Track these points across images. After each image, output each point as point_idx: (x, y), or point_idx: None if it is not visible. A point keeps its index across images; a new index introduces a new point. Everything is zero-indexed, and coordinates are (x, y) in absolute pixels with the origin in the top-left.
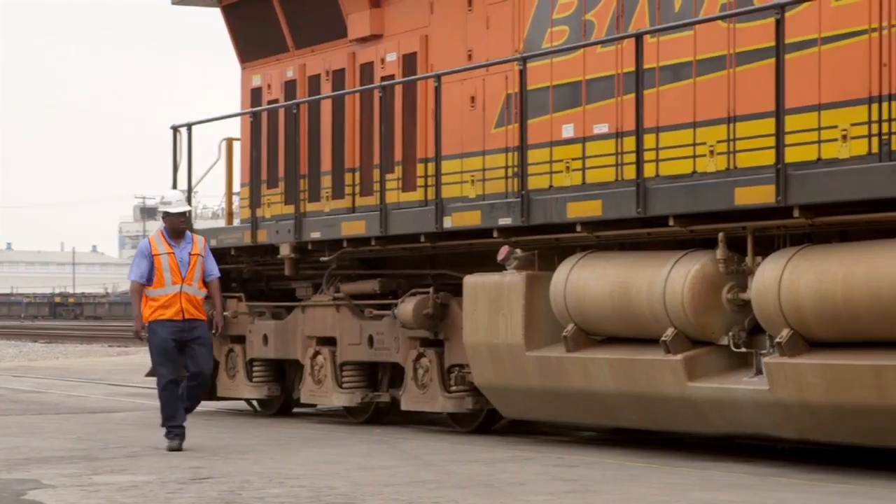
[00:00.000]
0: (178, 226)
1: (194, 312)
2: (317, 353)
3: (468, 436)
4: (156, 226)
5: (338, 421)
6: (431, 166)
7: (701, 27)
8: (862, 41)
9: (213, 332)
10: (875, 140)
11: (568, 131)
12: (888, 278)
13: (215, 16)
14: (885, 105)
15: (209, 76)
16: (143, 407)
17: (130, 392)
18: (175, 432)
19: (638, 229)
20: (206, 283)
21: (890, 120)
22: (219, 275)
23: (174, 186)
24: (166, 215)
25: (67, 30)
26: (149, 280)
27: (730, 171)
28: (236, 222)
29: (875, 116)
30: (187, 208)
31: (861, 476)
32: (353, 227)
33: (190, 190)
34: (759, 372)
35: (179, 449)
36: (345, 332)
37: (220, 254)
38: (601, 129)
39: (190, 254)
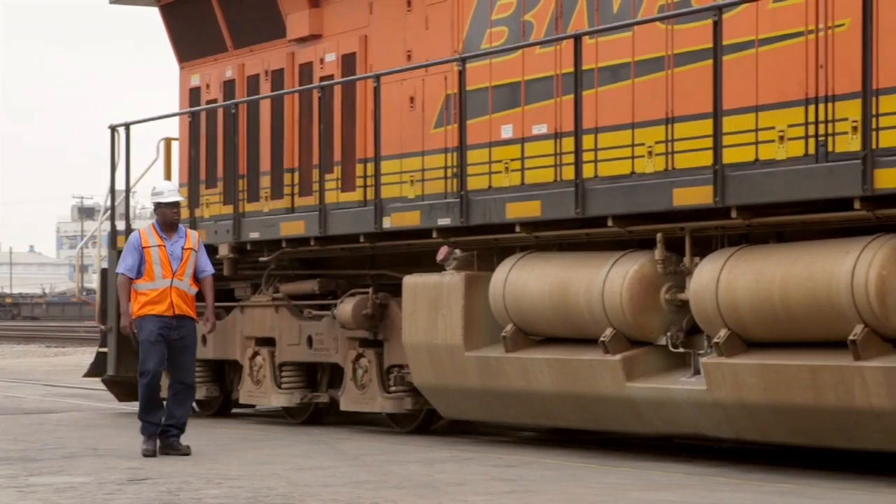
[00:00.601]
0: (170, 217)
1: (185, 309)
2: (256, 354)
3: (407, 436)
4: (93, 226)
5: (277, 421)
6: (371, 166)
7: (639, 28)
8: (799, 43)
9: (208, 330)
10: (812, 141)
11: (507, 132)
12: (824, 279)
13: (153, 15)
14: (821, 106)
15: (148, 76)
16: (81, 408)
17: (68, 393)
18: (150, 430)
19: (577, 230)
20: (198, 280)
21: (826, 121)
22: (213, 271)
23: (112, 187)
24: (158, 206)
25: (2, 30)
26: (138, 273)
27: (668, 171)
28: None
29: (812, 118)
30: (180, 198)
31: (798, 476)
32: (292, 228)
33: (128, 190)
34: (696, 372)
35: (153, 454)
36: (284, 333)
37: None
38: (540, 129)
39: (182, 248)
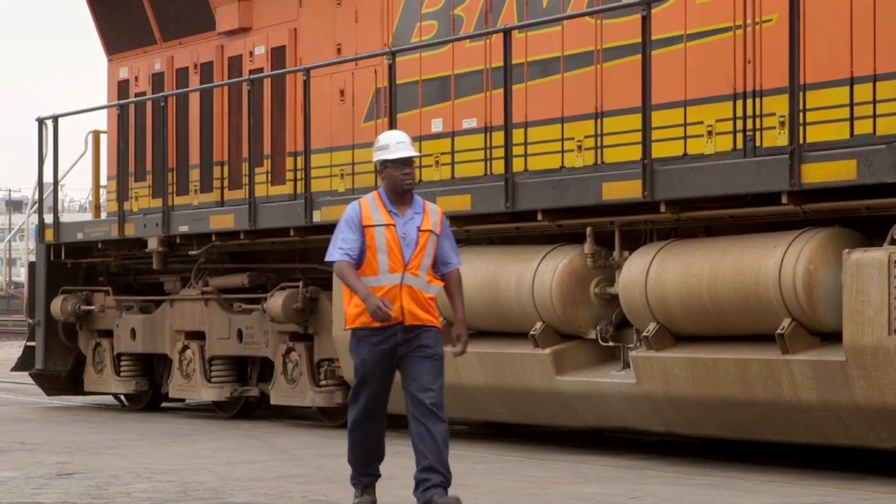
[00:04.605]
0: (399, 181)
1: (422, 316)
2: (185, 348)
3: (338, 430)
4: (21, 219)
5: (207, 416)
6: (301, 160)
7: (568, 23)
8: (727, 38)
9: (458, 351)
10: (740, 136)
11: (437, 126)
12: (752, 273)
13: (80, 6)
14: (749, 101)
15: (77, 67)
16: (8, 402)
17: None
18: (364, 482)
19: (507, 224)
20: (441, 276)
21: (754, 116)
22: (460, 264)
23: (40, 180)
24: (384, 165)
25: None
26: (357, 262)
27: (597, 166)
28: (104, 215)
29: (740, 113)
30: (415, 153)
31: (726, 468)
32: (222, 221)
33: (56, 183)
34: (626, 366)
35: None
36: (213, 327)
37: (86, 247)
38: (470, 123)
39: (419, 229)
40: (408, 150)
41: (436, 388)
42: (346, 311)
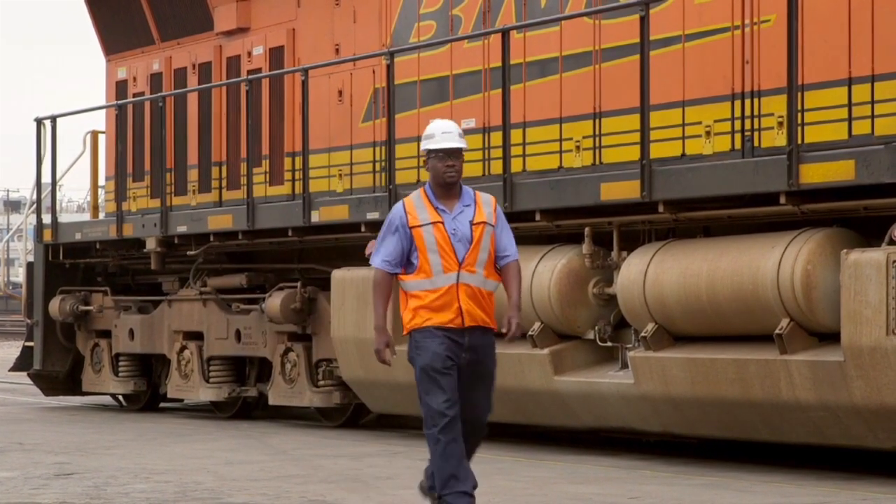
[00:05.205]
0: (444, 175)
1: (481, 317)
2: (183, 348)
3: (336, 430)
4: (19, 219)
5: (205, 416)
6: (299, 160)
7: (567, 23)
8: (725, 38)
9: (508, 336)
10: (738, 136)
11: None
12: (751, 273)
13: (80, 6)
14: (747, 102)
15: (76, 67)
16: (6, 402)
17: None
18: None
19: None
20: (498, 268)
21: (752, 116)
22: (517, 255)
23: (38, 180)
24: (429, 156)
25: None
26: (406, 266)
27: (595, 166)
28: (102, 216)
29: (738, 113)
30: (462, 144)
31: (724, 468)
32: (220, 221)
33: (54, 183)
34: (624, 366)
35: None
36: (212, 327)
37: (84, 248)
38: (468, 123)
39: (471, 223)
40: (452, 141)
41: (484, 407)
42: (402, 315)
